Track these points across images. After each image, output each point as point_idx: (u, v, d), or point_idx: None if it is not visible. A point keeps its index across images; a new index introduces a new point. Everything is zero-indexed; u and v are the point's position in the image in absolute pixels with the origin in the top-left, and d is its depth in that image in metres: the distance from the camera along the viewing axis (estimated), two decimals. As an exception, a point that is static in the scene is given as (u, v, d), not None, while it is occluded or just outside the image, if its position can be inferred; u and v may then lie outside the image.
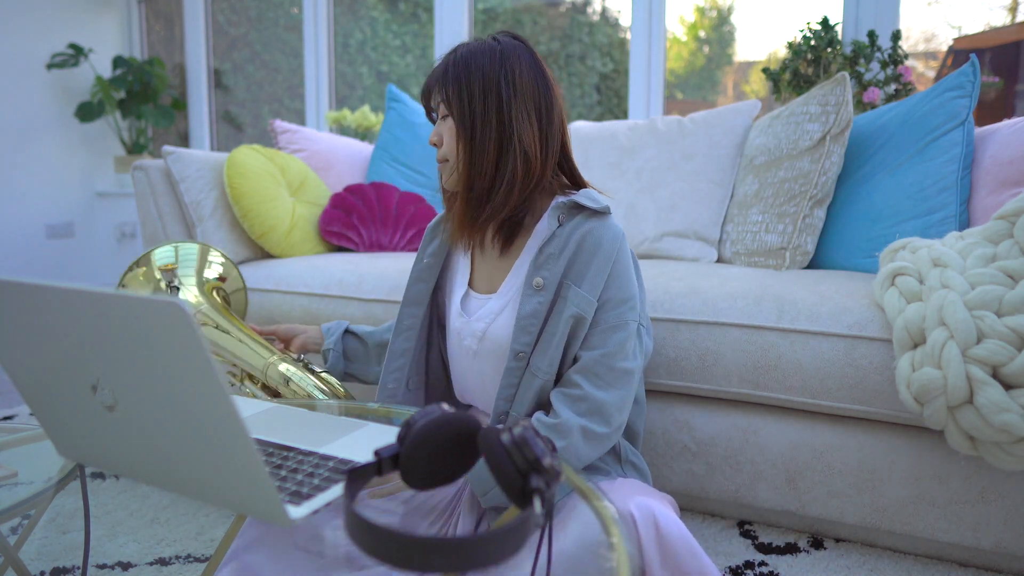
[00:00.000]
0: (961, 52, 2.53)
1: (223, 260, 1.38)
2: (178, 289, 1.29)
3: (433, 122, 1.06)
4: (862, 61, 2.09)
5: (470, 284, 1.10)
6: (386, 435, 0.78)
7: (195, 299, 1.28)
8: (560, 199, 1.02)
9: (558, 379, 1.00)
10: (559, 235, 0.99)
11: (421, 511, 1.02)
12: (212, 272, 1.36)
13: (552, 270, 0.97)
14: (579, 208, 1.00)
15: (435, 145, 1.03)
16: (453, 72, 0.99)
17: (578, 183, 1.07)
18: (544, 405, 1.00)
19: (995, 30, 2.47)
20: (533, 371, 0.98)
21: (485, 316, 1.05)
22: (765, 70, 2.22)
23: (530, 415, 0.99)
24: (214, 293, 1.34)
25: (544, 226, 1.03)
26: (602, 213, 1.00)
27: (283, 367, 1.19)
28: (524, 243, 1.05)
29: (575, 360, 0.99)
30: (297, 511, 0.58)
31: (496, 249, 1.07)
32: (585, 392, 0.96)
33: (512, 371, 0.99)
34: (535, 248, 1.02)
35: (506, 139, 0.98)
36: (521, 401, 0.99)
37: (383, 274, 1.70)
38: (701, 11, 3.20)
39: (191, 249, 1.36)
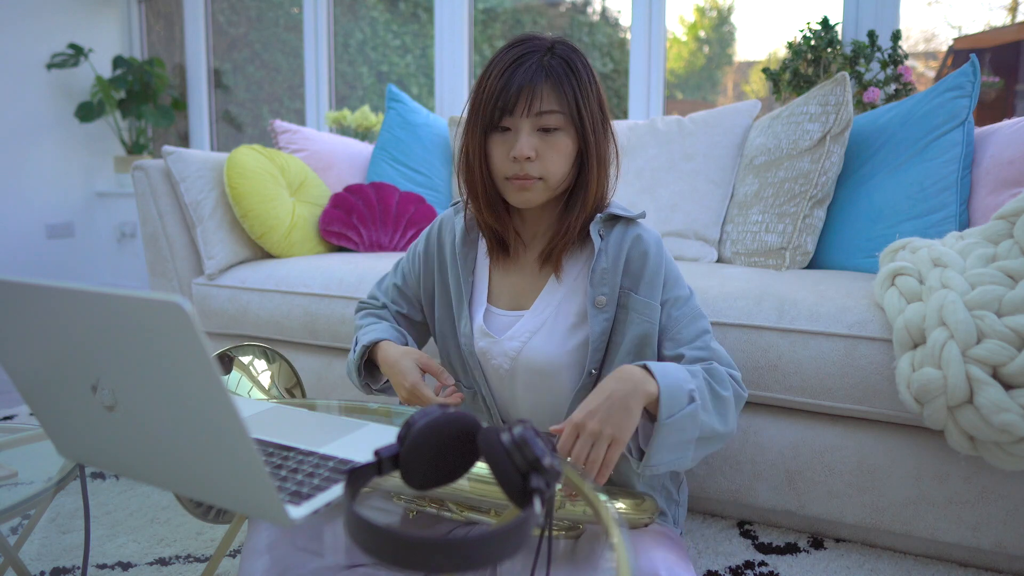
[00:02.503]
0: (961, 52, 2.53)
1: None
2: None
3: (502, 129, 0.93)
4: (862, 61, 2.09)
5: (489, 300, 1.05)
6: (386, 435, 0.78)
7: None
8: (597, 214, 0.99)
9: None
10: (605, 250, 0.97)
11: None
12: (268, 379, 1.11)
13: (611, 284, 0.97)
14: (614, 219, 1.00)
15: (525, 159, 0.91)
16: (568, 81, 0.91)
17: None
18: None
19: (995, 30, 2.47)
20: None
21: (519, 335, 1.00)
22: (765, 70, 2.22)
23: None
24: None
25: (583, 243, 1.01)
26: (636, 220, 1.01)
27: None
28: (558, 259, 1.01)
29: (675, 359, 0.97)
30: (297, 511, 0.58)
31: (538, 265, 1.03)
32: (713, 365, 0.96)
33: (585, 388, 0.99)
34: (578, 266, 1.01)
35: (613, 157, 0.98)
36: None
37: (383, 274, 1.69)
38: (701, 11, 3.20)
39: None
